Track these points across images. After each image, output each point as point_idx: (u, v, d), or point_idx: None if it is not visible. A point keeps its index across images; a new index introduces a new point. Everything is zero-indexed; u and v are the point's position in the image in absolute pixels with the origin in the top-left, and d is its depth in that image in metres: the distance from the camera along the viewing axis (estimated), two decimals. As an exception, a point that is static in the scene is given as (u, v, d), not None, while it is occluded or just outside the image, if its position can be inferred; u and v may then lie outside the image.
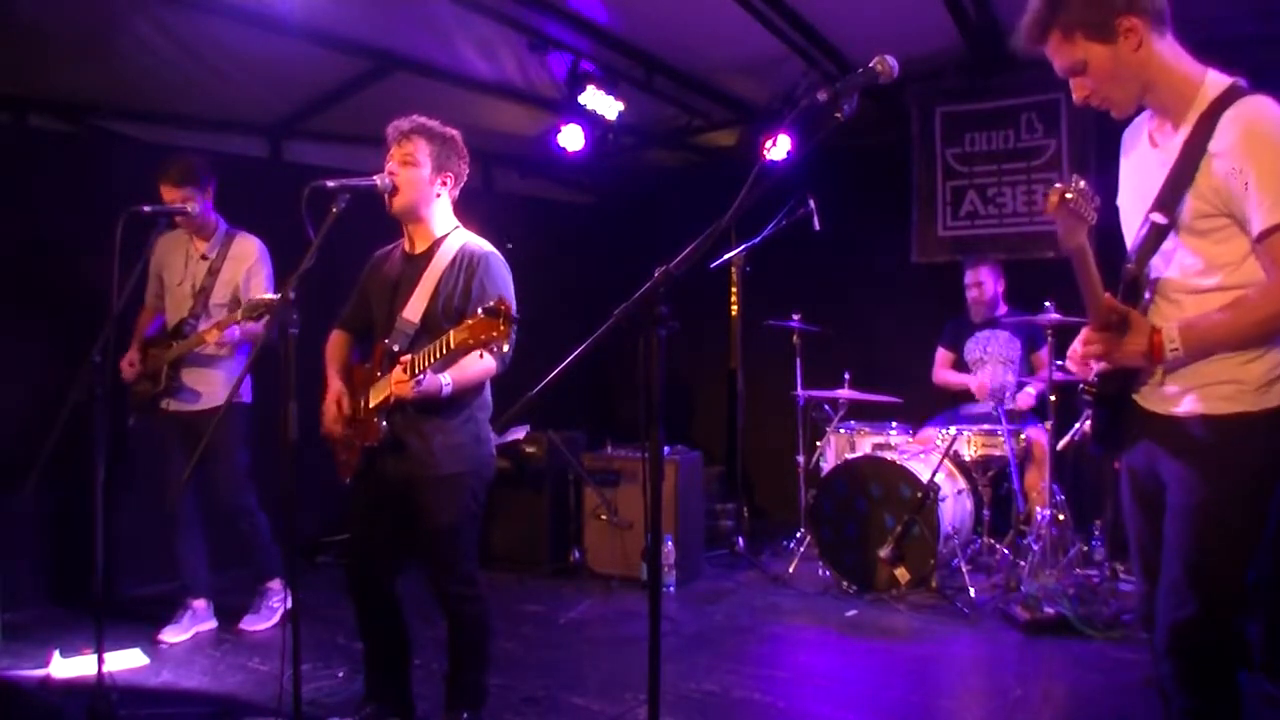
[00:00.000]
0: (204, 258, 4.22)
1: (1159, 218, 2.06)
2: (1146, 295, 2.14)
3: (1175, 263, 2.09)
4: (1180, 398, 2.08)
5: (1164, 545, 2.10)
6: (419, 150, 2.95)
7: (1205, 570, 2.03)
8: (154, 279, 4.33)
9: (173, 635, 4.15)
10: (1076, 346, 2.16)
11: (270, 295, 4.02)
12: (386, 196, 2.94)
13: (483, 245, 3.03)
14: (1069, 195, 1.98)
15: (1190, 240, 2.04)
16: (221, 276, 4.19)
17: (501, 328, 2.48)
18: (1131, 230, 2.18)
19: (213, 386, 4.18)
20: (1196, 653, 2.06)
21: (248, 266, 4.20)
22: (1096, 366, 2.18)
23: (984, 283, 5.36)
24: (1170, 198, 2.04)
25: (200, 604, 4.28)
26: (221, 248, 4.22)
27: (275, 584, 4.36)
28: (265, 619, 4.32)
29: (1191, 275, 2.06)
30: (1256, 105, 1.96)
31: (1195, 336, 2.00)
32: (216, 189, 4.21)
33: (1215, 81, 2.03)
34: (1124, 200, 2.25)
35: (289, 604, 4.28)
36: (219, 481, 4.17)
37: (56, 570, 4.68)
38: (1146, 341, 2.01)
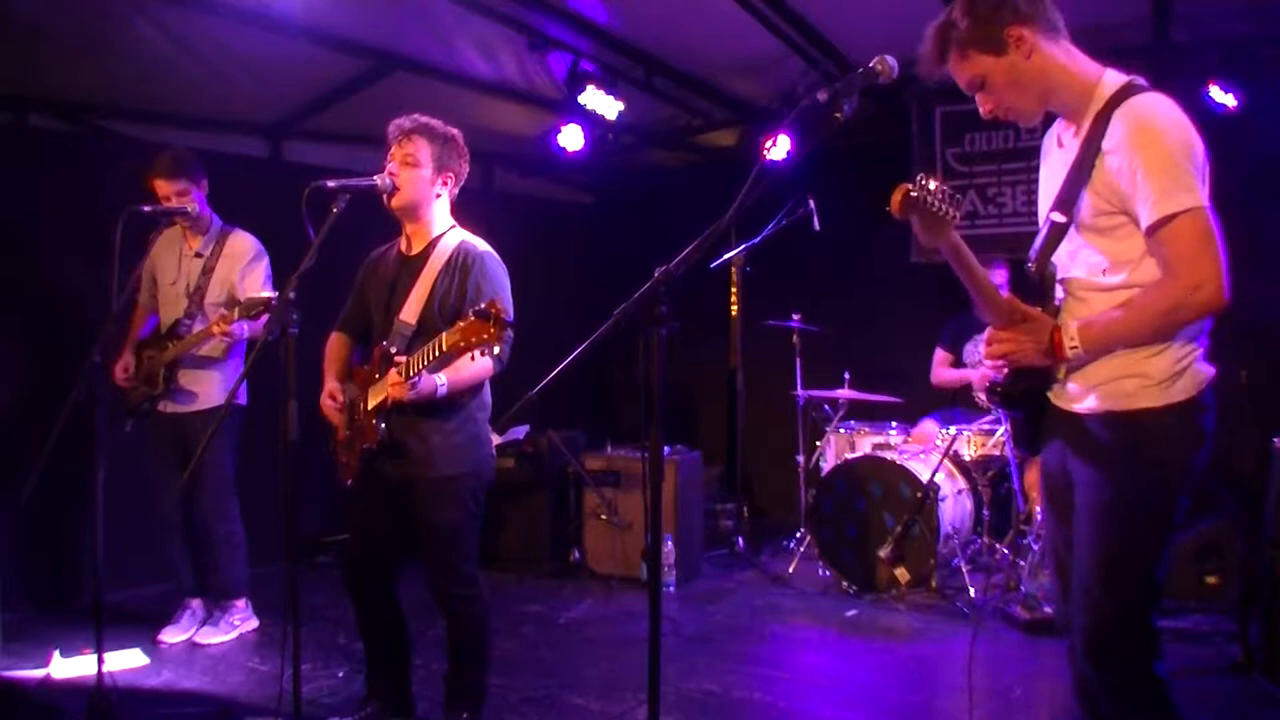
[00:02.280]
0: (198, 255, 4.13)
1: (1058, 216, 2.10)
2: (1060, 294, 2.19)
3: (1080, 261, 2.12)
4: (1084, 395, 2.10)
5: (1074, 546, 2.10)
6: (420, 150, 2.94)
7: (1113, 572, 2.03)
8: (148, 279, 4.24)
9: (172, 635, 4.13)
10: (981, 348, 2.19)
11: (267, 293, 3.91)
12: (385, 196, 2.93)
13: (478, 244, 3.02)
14: (914, 193, 1.97)
15: (1093, 238, 2.07)
16: (216, 275, 4.10)
17: (493, 330, 2.47)
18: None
19: (208, 387, 4.12)
20: (1113, 656, 2.05)
21: (243, 264, 4.10)
22: (996, 366, 2.21)
23: (1004, 285, 5.32)
24: (1068, 196, 2.07)
25: (198, 603, 4.25)
26: (216, 245, 4.12)
27: (240, 602, 4.24)
28: (223, 632, 4.16)
29: (1097, 273, 2.08)
30: (1146, 101, 1.98)
31: (1093, 334, 2.01)
32: (211, 186, 4.15)
33: (1111, 80, 2.06)
34: (1041, 204, 2.27)
35: (253, 624, 4.25)
36: (204, 486, 4.08)
37: (57, 571, 4.68)
38: (1047, 339, 2.04)
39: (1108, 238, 2.04)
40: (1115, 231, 2.03)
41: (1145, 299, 1.98)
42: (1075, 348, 2.02)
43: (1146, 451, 2.01)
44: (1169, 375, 2.00)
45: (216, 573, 4.19)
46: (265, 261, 4.17)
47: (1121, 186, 1.97)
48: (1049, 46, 2.06)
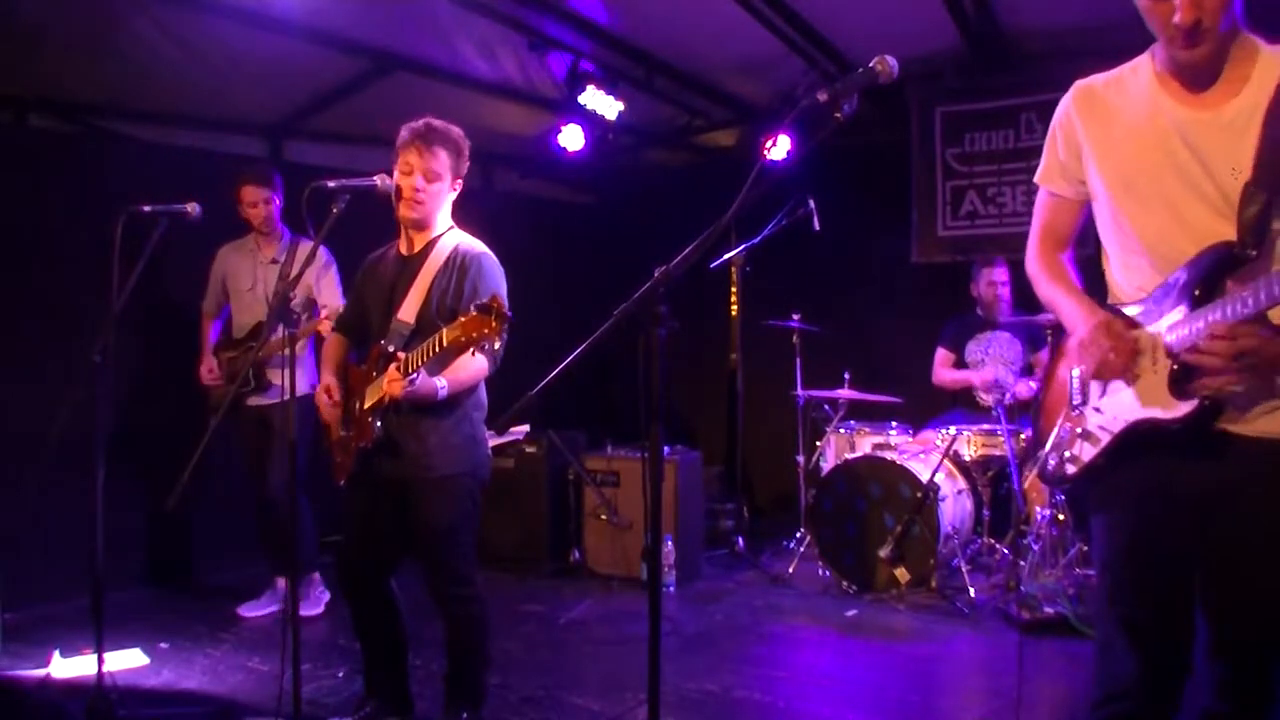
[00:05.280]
0: (274, 262, 4.37)
1: (1264, 191, 1.75)
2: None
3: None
4: None
5: (1245, 580, 1.85)
6: (442, 165, 2.91)
7: None
8: (215, 287, 4.54)
9: (251, 610, 4.43)
10: (1211, 344, 1.71)
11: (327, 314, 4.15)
12: (393, 199, 2.91)
13: (476, 245, 3.02)
14: None
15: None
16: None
17: (494, 324, 2.47)
18: (1149, 204, 1.89)
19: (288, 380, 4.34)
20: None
21: (316, 270, 4.31)
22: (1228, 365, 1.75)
23: (1008, 283, 5.32)
24: (1272, 171, 1.74)
25: (282, 582, 4.48)
26: (289, 253, 4.33)
27: (315, 575, 4.52)
28: (314, 607, 4.47)
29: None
30: None
31: None
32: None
33: (1271, 46, 1.82)
34: (1130, 171, 1.93)
35: (325, 598, 4.52)
36: (274, 472, 4.31)
37: (57, 570, 4.67)
38: None
39: None
40: None
41: None
42: None
43: None
44: None
45: (292, 549, 4.36)
46: (335, 268, 4.41)
47: None
48: None
